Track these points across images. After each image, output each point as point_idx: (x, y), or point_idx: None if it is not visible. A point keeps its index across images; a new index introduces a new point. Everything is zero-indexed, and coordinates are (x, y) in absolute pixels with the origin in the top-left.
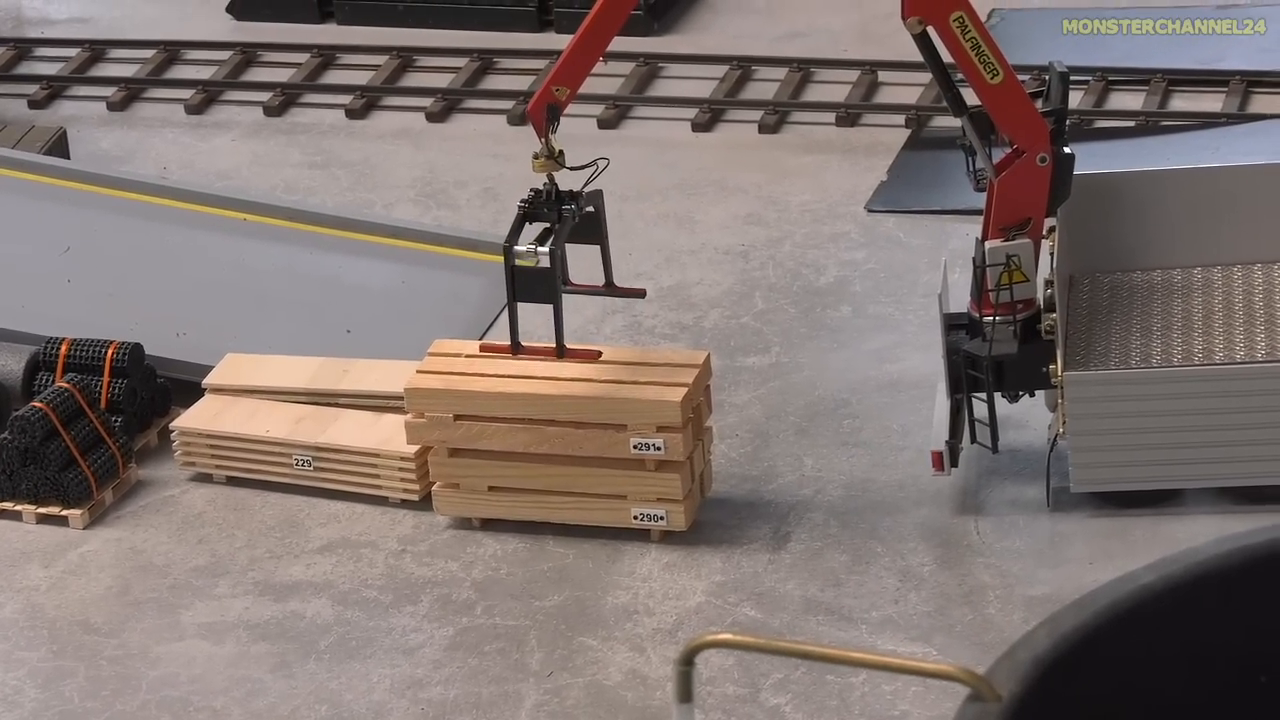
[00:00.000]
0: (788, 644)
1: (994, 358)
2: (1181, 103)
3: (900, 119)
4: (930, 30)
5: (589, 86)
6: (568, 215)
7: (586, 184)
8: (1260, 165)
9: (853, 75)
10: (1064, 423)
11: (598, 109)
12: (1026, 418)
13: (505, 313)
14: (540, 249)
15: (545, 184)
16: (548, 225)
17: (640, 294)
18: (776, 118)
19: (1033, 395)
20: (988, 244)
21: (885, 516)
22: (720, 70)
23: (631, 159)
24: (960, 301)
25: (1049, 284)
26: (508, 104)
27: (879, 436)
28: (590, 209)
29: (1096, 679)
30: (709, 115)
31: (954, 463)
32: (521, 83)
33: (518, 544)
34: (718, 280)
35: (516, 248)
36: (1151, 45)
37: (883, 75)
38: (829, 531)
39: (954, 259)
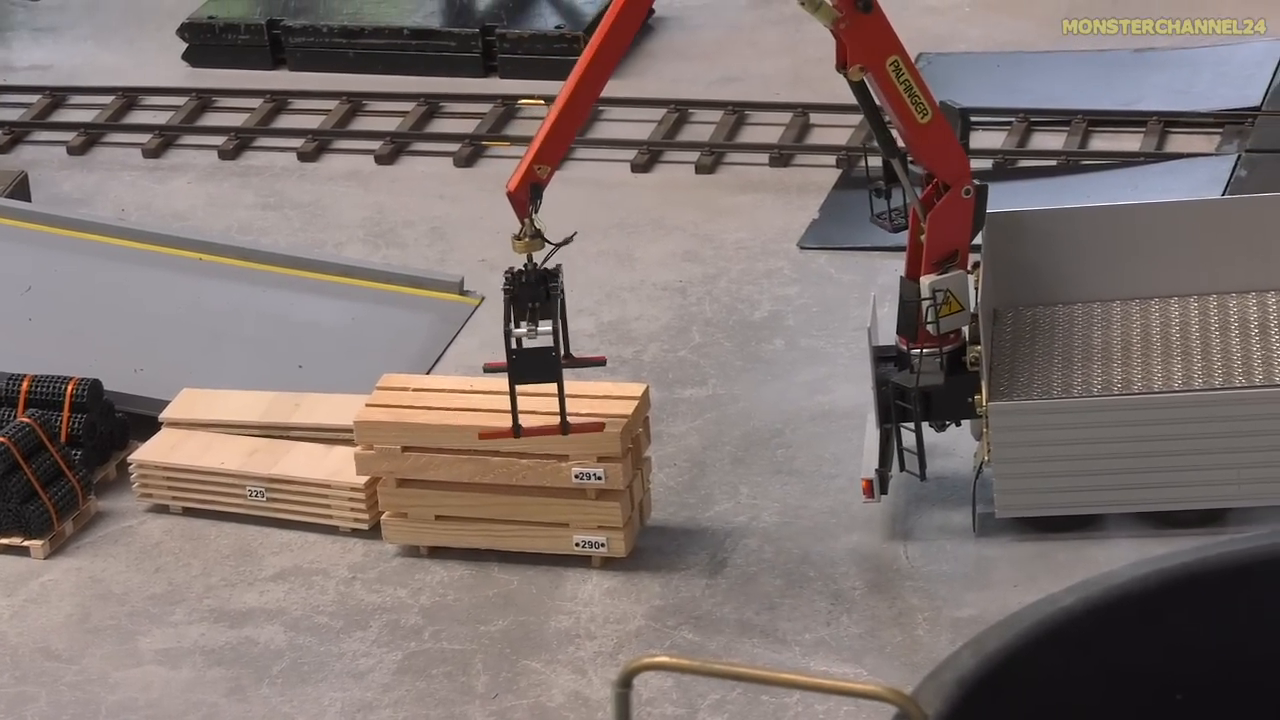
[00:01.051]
0: (723, 666)
1: (921, 389)
2: (1101, 143)
3: (831, 159)
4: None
5: (533, 128)
6: (555, 292)
7: (548, 258)
8: (1176, 202)
9: (785, 118)
10: (989, 451)
11: None
12: (953, 446)
13: (450, 348)
14: (541, 327)
15: (526, 263)
16: (532, 304)
17: (600, 362)
18: (713, 159)
19: (959, 424)
20: (924, 279)
21: (818, 542)
22: (658, 113)
23: (573, 199)
24: (889, 334)
25: (974, 317)
26: (454, 147)
27: (812, 465)
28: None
29: (1019, 698)
30: (648, 156)
31: (884, 490)
32: (467, 126)
33: (464, 571)
34: (656, 315)
35: (515, 330)
36: (1073, 87)
37: (814, 118)
38: (764, 557)
39: (883, 294)
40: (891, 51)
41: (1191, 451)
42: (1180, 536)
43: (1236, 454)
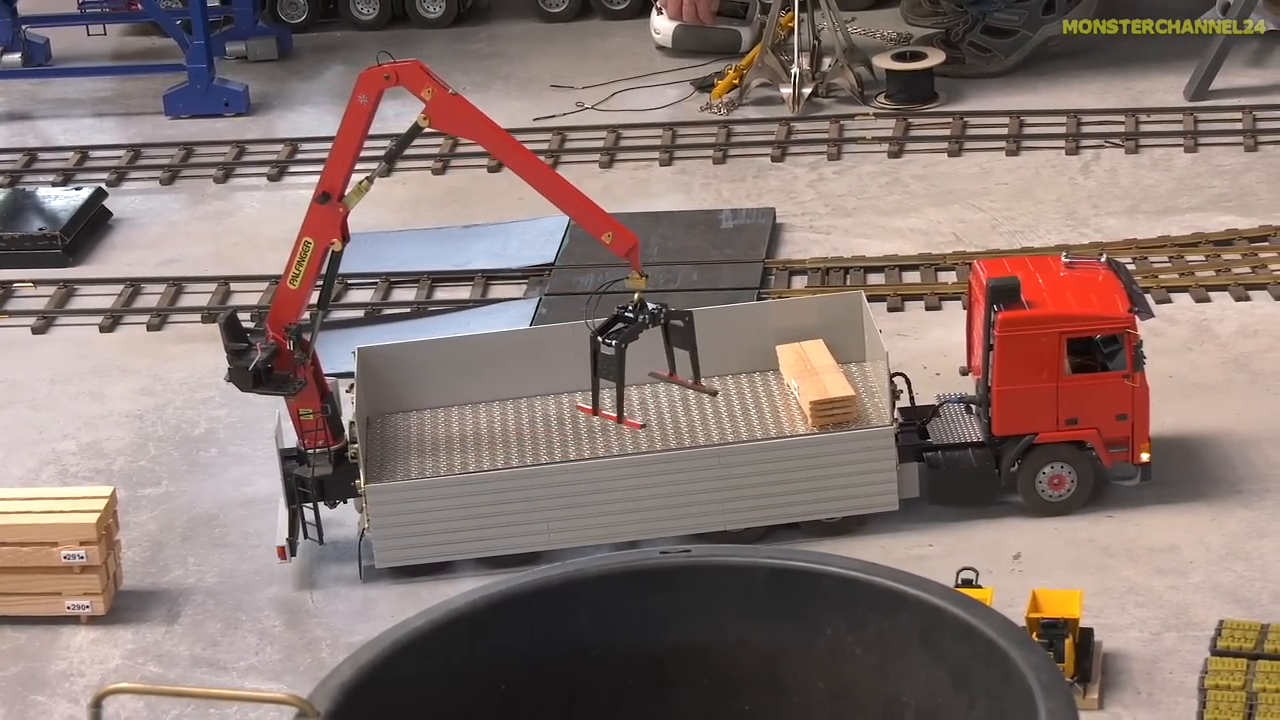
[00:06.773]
0: (168, 688)
1: (316, 478)
2: (442, 293)
3: (246, 315)
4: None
5: (25, 304)
6: (642, 321)
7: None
8: (496, 333)
9: (213, 287)
10: (368, 520)
11: (31, 320)
12: (343, 518)
13: None
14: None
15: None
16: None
17: (713, 392)
18: (160, 319)
19: (346, 502)
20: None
21: (247, 594)
22: (119, 288)
23: (56, 354)
24: (292, 438)
25: (353, 424)
26: None
27: (241, 538)
28: (679, 322)
29: (387, 696)
30: (112, 320)
31: (293, 553)
32: None
33: None
34: (122, 436)
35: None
36: (420, 254)
37: (234, 285)
38: (208, 608)
39: (285, 411)
40: (305, 234)
41: (515, 511)
42: (507, 570)
43: (546, 511)
